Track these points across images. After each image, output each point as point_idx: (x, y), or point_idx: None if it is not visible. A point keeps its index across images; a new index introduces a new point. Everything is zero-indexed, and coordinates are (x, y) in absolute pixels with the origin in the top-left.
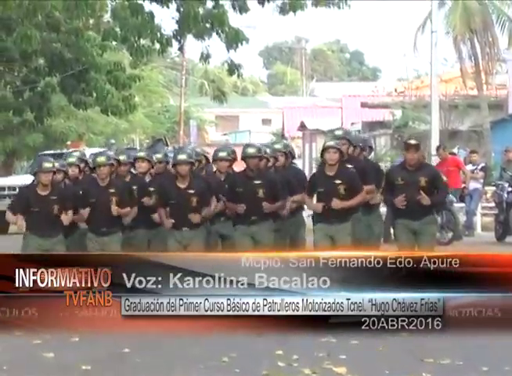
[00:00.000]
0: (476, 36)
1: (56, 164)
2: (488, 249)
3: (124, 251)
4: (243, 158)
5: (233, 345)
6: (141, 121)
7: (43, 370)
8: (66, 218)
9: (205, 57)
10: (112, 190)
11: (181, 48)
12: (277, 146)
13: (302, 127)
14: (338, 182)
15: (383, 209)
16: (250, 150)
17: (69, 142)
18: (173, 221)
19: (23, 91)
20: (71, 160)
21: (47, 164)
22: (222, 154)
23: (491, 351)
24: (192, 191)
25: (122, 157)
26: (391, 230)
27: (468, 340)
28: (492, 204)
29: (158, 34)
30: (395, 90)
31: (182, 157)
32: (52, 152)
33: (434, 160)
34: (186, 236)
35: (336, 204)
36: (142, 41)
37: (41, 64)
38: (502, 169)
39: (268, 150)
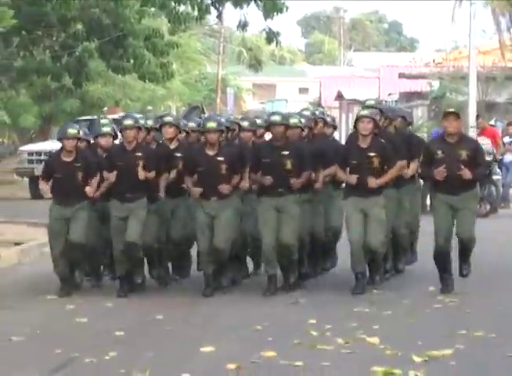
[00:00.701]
0: None
1: (81, 131)
2: None
3: (147, 219)
4: (268, 126)
5: (267, 314)
6: (178, 88)
7: (76, 335)
8: (91, 188)
9: (243, 25)
10: (139, 154)
11: (219, 16)
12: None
13: (339, 97)
14: (372, 154)
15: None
16: (275, 118)
17: (105, 108)
18: (201, 189)
19: (62, 56)
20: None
21: (71, 130)
22: (244, 124)
23: None
24: (221, 158)
25: (150, 123)
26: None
27: (502, 313)
28: None
29: (197, 1)
30: (433, 61)
31: (211, 124)
32: (89, 117)
33: (471, 132)
34: (215, 207)
35: (372, 183)
36: (181, 8)
37: (80, 29)
38: None
39: (297, 119)
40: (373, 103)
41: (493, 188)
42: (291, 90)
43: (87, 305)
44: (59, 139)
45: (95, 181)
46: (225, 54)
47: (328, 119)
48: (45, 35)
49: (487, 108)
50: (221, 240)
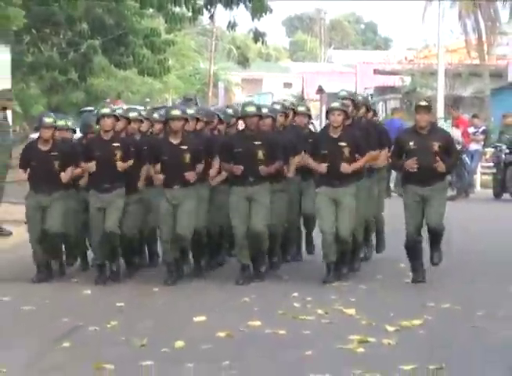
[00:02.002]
0: (479, 10)
1: (60, 123)
2: (486, 204)
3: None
4: (242, 117)
5: (253, 288)
6: (174, 82)
7: (81, 306)
8: (65, 175)
9: (232, 25)
10: (116, 144)
11: (211, 17)
12: (277, 107)
13: (320, 90)
14: (343, 144)
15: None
16: (250, 109)
17: (108, 100)
18: (162, 176)
19: (68, 52)
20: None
21: (47, 120)
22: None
23: (488, 297)
24: (184, 147)
25: (132, 115)
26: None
27: (467, 287)
28: (491, 164)
29: (191, 3)
30: (405, 58)
31: (175, 112)
32: (92, 108)
33: (440, 123)
34: (177, 195)
35: (345, 168)
36: (177, 9)
37: (85, 28)
38: (501, 132)
39: (267, 110)
40: (345, 93)
41: (466, 174)
42: (276, 84)
43: (91, 279)
44: (36, 128)
45: (70, 169)
46: (216, 51)
47: (302, 108)
48: (53, 33)
49: (454, 102)
50: (183, 227)
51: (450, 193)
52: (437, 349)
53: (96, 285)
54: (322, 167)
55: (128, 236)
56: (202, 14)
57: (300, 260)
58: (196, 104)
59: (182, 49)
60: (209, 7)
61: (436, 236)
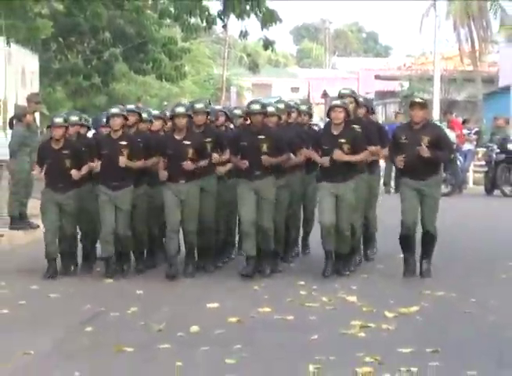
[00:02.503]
0: (472, 21)
1: (72, 119)
2: (479, 200)
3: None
4: (247, 114)
5: (263, 277)
6: (190, 87)
7: (103, 294)
8: (77, 173)
9: (244, 34)
10: (123, 143)
11: (224, 26)
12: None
13: (325, 95)
14: (342, 140)
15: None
16: (255, 107)
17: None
18: (167, 174)
19: (92, 59)
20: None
21: (58, 120)
22: (237, 112)
23: (480, 286)
24: (188, 142)
25: (144, 115)
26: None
27: (461, 277)
28: (483, 163)
29: (206, 14)
30: (404, 65)
31: (180, 109)
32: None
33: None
34: (182, 190)
35: (338, 155)
36: (192, 20)
37: (107, 37)
38: (492, 134)
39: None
40: (347, 91)
41: (459, 172)
42: (284, 89)
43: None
44: (48, 127)
45: (84, 168)
46: (228, 58)
47: (303, 107)
48: (78, 42)
49: (448, 105)
50: (188, 223)
51: (445, 189)
52: (433, 334)
53: (106, 278)
54: (326, 160)
55: (137, 229)
56: (216, 24)
57: (308, 252)
58: (210, 105)
59: (197, 56)
60: (222, 17)
61: (428, 242)
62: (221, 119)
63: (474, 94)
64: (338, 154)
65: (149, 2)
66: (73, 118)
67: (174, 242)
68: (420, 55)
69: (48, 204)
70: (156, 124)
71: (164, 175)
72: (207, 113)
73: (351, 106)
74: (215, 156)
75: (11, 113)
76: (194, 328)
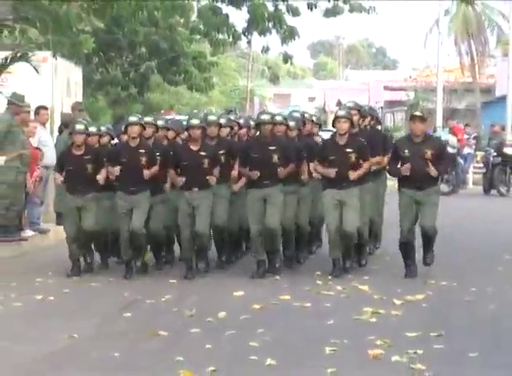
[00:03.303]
0: (472, 37)
1: (91, 129)
2: (477, 199)
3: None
4: (257, 124)
5: (283, 268)
6: (217, 97)
7: (139, 282)
8: (101, 177)
9: (266, 49)
10: (141, 151)
11: (249, 42)
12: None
13: (339, 103)
14: (349, 150)
15: None
16: (264, 117)
17: (162, 111)
18: (184, 179)
19: (130, 72)
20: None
21: (79, 126)
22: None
23: (479, 276)
24: (204, 153)
25: (160, 123)
26: None
27: (462, 268)
28: (481, 165)
29: (232, 31)
30: (410, 77)
31: (195, 121)
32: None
33: (439, 131)
34: (196, 197)
35: (353, 175)
36: (220, 36)
37: (143, 52)
38: (490, 139)
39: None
40: (351, 104)
41: (460, 173)
42: (302, 98)
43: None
44: (70, 134)
45: (104, 171)
46: (252, 71)
47: (314, 119)
48: (117, 56)
49: (450, 113)
50: (201, 226)
51: (446, 189)
52: (437, 319)
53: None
54: (331, 172)
55: (154, 233)
56: (241, 40)
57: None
58: (236, 114)
59: (224, 69)
60: (247, 34)
61: (429, 239)
62: (235, 129)
63: (473, 103)
64: (353, 175)
65: (181, 20)
66: (92, 129)
67: (190, 249)
68: (425, 68)
69: (69, 212)
70: (171, 133)
71: (180, 180)
72: (220, 125)
73: (355, 118)
74: (233, 173)
75: (57, 120)
76: (221, 314)
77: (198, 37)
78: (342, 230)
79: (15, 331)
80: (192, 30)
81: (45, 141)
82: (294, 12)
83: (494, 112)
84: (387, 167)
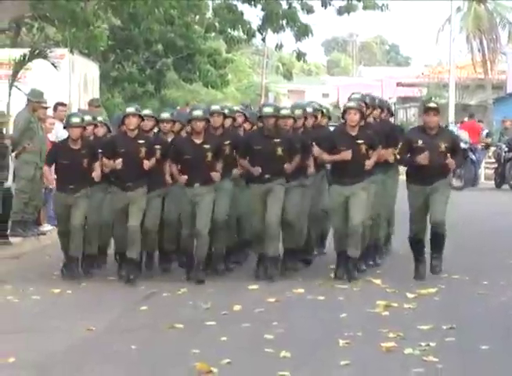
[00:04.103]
0: (483, 34)
1: (86, 119)
2: (489, 193)
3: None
4: (260, 117)
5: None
6: (232, 93)
7: (156, 276)
8: (97, 174)
9: (280, 46)
10: (140, 141)
11: (263, 39)
12: (309, 109)
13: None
14: (360, 141)
15: None
16: (267, 109)
17: (178, 107)
18: (186, 177)
19: (146, 69)
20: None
21: (74, 119)
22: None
23: (491, 269)
24: (207, 146)
25: (165, 115)
26: None
27: (474, 261)
28: (493, 160)
29: (247, 28)
30: (422, 73)
31: (197, 113)
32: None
33: (451, 126)
34: (197, 193)
35: (369, 164)
36: (235, 33)
37: (159, 49)
38: (501, 134)
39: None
40: (358, 96)
41: (472, 168)
42: (316, 95)
43: None
44: (65, 128)
45: (98, 165)
46: (266, 67)
47: (323, 110)
48: (134, 53)
49: (462, 109)
50: (202, 225)
51: (458, 184)
52: (449, 312)
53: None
54: (347, 153)
55: (150, 229)
56: (255, 37)
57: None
58: (251, 109)
59: (239, 66)
60: (261, 31)
61: (438, 239)
62: (239, 120)
63: (485, 99)
64: (369, 164)
65: (197, 18)
66: (87, 118)
67: (191, 245)
68: (437, 64)
69: (60, 209)
70: (177, 126)
71: (183, 178)
72: (224, 115)
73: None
74: (235, 171)
75: None
76: (237, 307)
77: (213, 34)
78: (349, 225)
79: (33, 324)
80: (207, 28)
81: (63, 137)
82: (308, 9)
83: (505, 107)
84: (398, 156)
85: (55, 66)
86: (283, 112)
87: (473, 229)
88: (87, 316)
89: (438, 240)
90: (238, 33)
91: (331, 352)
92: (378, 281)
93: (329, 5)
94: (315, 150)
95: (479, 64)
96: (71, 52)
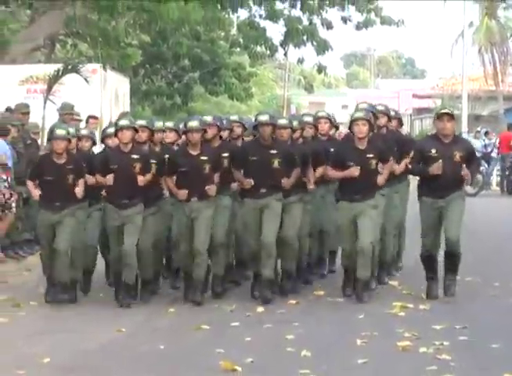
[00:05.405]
0: (495, 47)
1: (71, 132)
2: (500, 198)
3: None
4: (255, 126)
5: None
6: (256, 105)
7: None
8: (80, 191)
9: (301, 60)
10: (134, 156)
11: (285, 54)
12: (307, 119)
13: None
14: (370, 155)
15: None
16: (263, 117)
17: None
18: (186, 191)
19: (174, 82)
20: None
21: (59, 131)
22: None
23: (503, 271)
24: (205, 158)
25: (158, 125)
26: None
27: (486, 264)
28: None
29: (269, 43)
30: (437, 85)
31: (193, 124)
32: None
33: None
34: (195, 208)
35: (380, 180)
36: (258, 48)
37: (187, 64)
38: None
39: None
40: (365, 106)
41: (481, 176)
42: (336, 106)
43: None
44: (49, 140)
45: (81, 182)
46: (288, 81)
47: (332, 119)
48: (162, 68)
49: (475, 119)
50: (200, 242)
51: (472, 191)
52: (462, 313)
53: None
54: (355, 170)
55: (144, 249)
56: (278, 52)
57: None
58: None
59: (262, 79)
60: (283, 46)
61: (453, 259)
62: (238, 130)
63: (496, 110)
64: (380, 180)
65: (222, 34)
66: (71, 130)
67: (201, 266)
68: (451, 77)
69: (44, 230)
70: (170, 136)
71: (183, 193)
72: (218, 127)
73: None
74: (234, 185)
75: None
76: (260, 309)
77: (238, 49)
78: (359, 246)
79: (65, 325)
80: (232, 44)
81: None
82: (328, 25)
83: None
84: (410, 166)
85: (87, 81)
86: (281, 122)
87: (485, 233)
88: (117, 318)
89: (452, 260)
90: (261, 48)
91: (349, 351)
92: (395, 283)
93: (349, 20)
94: (328, 170)
95: (490, 76)
96: (103, 67)
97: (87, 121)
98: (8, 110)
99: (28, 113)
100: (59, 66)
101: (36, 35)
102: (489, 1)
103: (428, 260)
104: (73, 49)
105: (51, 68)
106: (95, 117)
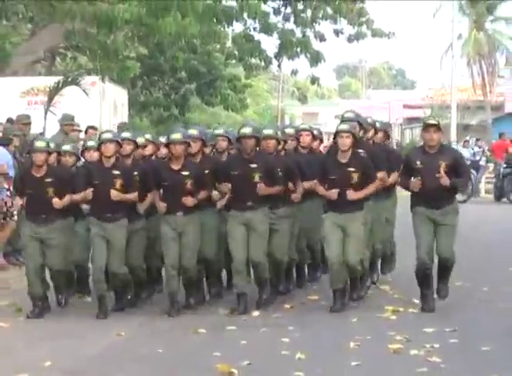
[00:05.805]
0: (483, 59)
1: (51, 145)
2: (489, 205)
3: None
4: (238, 139)
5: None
6: (251, 116)
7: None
8: (59, 202)
9: (295, 72)
10: (116, 172)
11: (279, 65)
12: (288, 131)
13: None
14: (351, 169)
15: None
16: (245, 130)
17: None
18: (165, 205)
19: (171, 94)
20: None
21: (39, 144)
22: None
23: (491, 277)
24: (186, 173)
25: (140, 139)
26: None
27: (475, 269)
28: (493, 175)
29: (264, 56)
30: (427, 96)
31: (176, 136)
32: None
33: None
34: (181, 223)
35: (351, 195)
36: (253, 60)
37: (183, 75)
38: None
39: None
40: (351, 115)
41: (473, 182)
42: (329, 117)
43: None
44: (28, 153)
45: (67, 197)
46: (282, 92)
47: (315, 132)
48: (160, 80)
49: (463, 128)
50: (188, 258)
51: (461, 198)
52: (452, 316)
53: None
54: (333, 194)
55: (133, 266)
56: (272, 63)
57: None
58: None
59: (256, 90)
60: (277, 58)
61: (446, 269)
62: (223, 144)
63: (485, 119)
64: (352, 195)
65: (218, 47)
66: (40, 144)
67: (174, 279)
68: (440, 87)
69: (29, 242)
70: (149, 149)
71: (162, 206)
72: (203, 141)
73: (356, 131)
74: (215, 193)
75: None
76: (255, 313)
77: (233, 61)
78: (345, 262)
79: (65, 330)
80: (227, 56)
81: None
82: (321, 38)
83: (504, 127)
84: (398, 179)
85: (86, 93)
86: (265, 132)
87: (474, 238)
88: (117, 323)
89: (445, 270)
90: (256, 60)
91: (343, 354)
92: (386, 288)
93: (341, 33)
94: (316, 186)
95: (479, 87)
96: (102, 80)
97: (86, 132)
98: (9, 121)
99: (29, 123)
100: (60, 78)
101: (37, 48)
102: (477, 15)
103: (423, 275)
104: (72, 62)
105: (51, 80)
106: (94, 128)
